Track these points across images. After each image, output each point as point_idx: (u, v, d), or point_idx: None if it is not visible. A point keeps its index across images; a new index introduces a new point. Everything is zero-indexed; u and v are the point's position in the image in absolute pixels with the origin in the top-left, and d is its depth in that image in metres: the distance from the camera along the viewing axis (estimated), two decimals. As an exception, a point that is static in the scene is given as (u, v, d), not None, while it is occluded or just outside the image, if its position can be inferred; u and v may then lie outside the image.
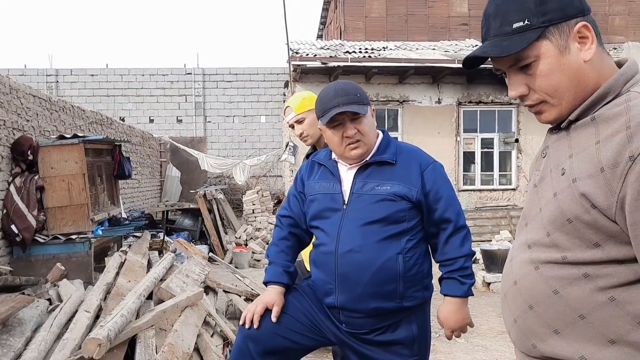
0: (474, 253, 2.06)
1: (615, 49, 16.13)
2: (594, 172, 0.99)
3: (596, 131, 1.02)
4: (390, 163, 1.96)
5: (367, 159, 1.97)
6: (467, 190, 11.65)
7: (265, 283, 2.09)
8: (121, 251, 5.41)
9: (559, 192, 1.06)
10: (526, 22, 1.05)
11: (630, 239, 0.97)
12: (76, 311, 3.55)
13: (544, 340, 1.10)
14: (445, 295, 2.01)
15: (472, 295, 2.05)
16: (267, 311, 1.98)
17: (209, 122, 18.68)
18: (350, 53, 11.14)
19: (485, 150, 11.82)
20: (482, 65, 1.15)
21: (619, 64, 1.10)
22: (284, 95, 16.00)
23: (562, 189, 1.05)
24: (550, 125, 1.18)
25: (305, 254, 2.55)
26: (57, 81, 18.36)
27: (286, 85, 13.70)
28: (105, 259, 5.43)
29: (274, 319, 1.96)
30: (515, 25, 1.06)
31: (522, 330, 1.15)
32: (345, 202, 1.95)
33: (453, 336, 2.07)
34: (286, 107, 2.71)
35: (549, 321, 1.09)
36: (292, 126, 2.69)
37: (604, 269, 1.01)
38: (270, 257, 2.15)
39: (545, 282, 1.09)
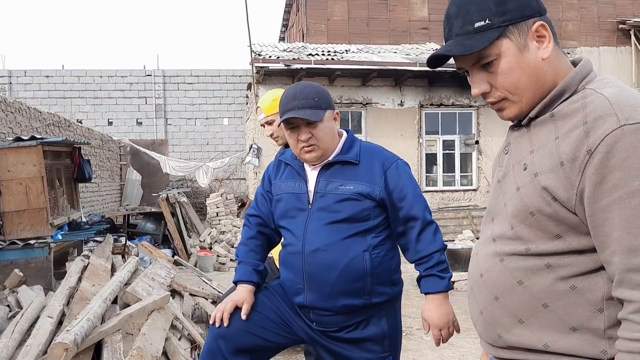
0: (446, 246, 2.06)
1: (568, 53, 16.69)
2: (554, 166, 1.04)
3: (555, 127, 1.07)
4: (354, 163, 1.97)
5: (330, 158, 1.98)
6: (430, 191, 11.84)
7: (235, 282, 2.08)
8: (83, 256, 5.28)
9: (522, 187, 1.10)
10: (487, 21, 1.09)
11: (589, 229, 1.02)
12: (38, 317, 3.45)
13: (509, 330, 1.13)
14: (427, 293, 1.99)
15: (452, 288, 2.05)
16: (237, 309, 1.97)
17: (170, 124, 18.40)
18: (313, 55, 11.18)
19: (447, 151, 12.04)
20: (443, 68, 1.20)
21: (574, 63, 1.15)
22: (247, 97, 15.91)
23: (525, 183, 1.09)
24: (511, 123, 1.22)
25: (275, 253, 2.55)
26: (11, 82, 17.76)
27: (249, 87, 13.64)
28: (67, 264, 5.29)
29: (243, 317, 1.95)
30: (476, 25, 1.09)
31: (488, 321, 1.18)
32: (310, 202, 1.97)
33: (440, 340, 2.00)
34: (257, 107, 2.71)
35: (514, 311, 1.12)
36: (263, 126, 2.69)
37: (565, 259, 1.06)
38: (239, 256, 2.14)
39: (510, 273, 1.12)
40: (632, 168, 0.95)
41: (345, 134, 2.07)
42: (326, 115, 1.96)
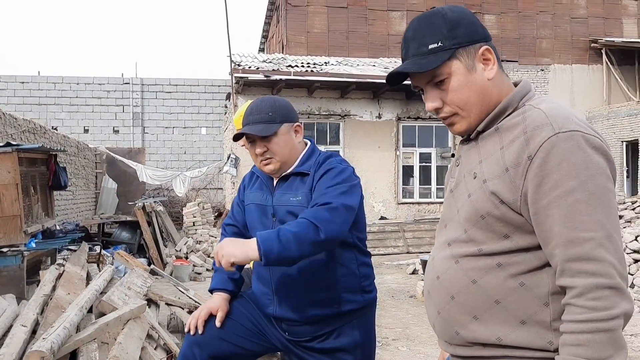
0: (319, 228, 1.77)
1: (542, 70, 17.08)
2: (500, 172, 1.16)
3: (500, 139, 1.20)
4: (307, 174, 2.00)
5: (289, 171, 2.02)
6: (407, 203, 11.96)
7: (211, 290, 2.10)
8: (57, 264, 5.21)
9: (473, 193, 1.22)
10: (439, 44, 1.21)
11: (534, 227, 1.14)
12: (11, 326, 3.40)
13: (465, 326, 1.22)
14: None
15: (263, 255, 1.73)
16: (212, 317, 1.99)
17: (148, 133, 18.27)
18: (292, 67, 11.26)
19: (423, 164, 12.20)
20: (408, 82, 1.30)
21: (515, 84, 1.28)
22: (226, 107, 15.90)
23: (475, 190, 1.21)
24: (461, 138, 1.35)
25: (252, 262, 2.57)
26: (-16, 88, 17.47)
27: (228, 97, 13.64)
28: (40, 272, 5.21)
29: (218, 324, 1.97)
30: (430, 46, 1.22)
31: (445, 319, 1.26)
32: (274, 214, 2.01)
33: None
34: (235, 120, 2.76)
35: (469, 308, 1.21)
36: None
37: (513, 257, 1.17)
38: (215, 264, 2.16)
39: (464, 273, 1.22)
40: (567, 170, 1.08)
41: (308, 145, 2.10)
42: (282, 129, 1.99)
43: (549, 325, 1.14)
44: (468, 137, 1.30)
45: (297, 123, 2.06)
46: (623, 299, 1.05)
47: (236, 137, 2.07)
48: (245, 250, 1.75)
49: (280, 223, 1.96)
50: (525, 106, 1.21)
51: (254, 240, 1.75)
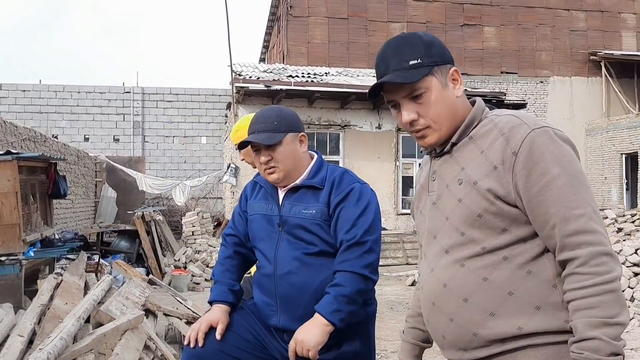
0: (370, 278, 1.91)
1: (541, 82, 17.14)
2: (488, 171, 1.27)
3: (476, 145, 1.32)
4: (319, 188, 2.01)
5: (298, 182, 2.03)
6: (406, 214, 11.95)
7: (211, 302, 2.09)
8: (55, 273, 5.19)
9: (463, 197, 1.30)
10: (419, 60, 1.32)
11: (529, 215, 1.24)
12: (8, 335, 3.39)
13: (483, 325, 1.26)
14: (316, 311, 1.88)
15: (338, 324, 1.84)
16: (212, 329, 1.98)
17: (148, 142, 18.29)
18: (293, 77, 11.30)
19: (423, 175, 12.20)
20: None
21: (472, 103, 1.41)
22: (226, 116, 15.95)
23: (465, 193, 1.29)
24: (427, 153, 1.46)
25: (254, 270, 2.57)
26: (-14, 96, 17.51)
27: (229, 106, 13.68)
28: (38, 281, 5.20)
29: (218, 337, 1.95)
30: (411, 62, 1.32)
31: (460, 324, 1.29)
32: (280, 225, 2.01)
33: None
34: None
35: (485, 306, 1.26)
36: None
37: (516, 248, 1.26)
38: (215, 276, 2.16)
39: (474, 273, 1.28)
40: (549, 159, 1.22)
41: (315, 157, 2.11)
42: (286, 138, 2.00)
43: (560, 304, 1.23)
44: (441, 152, 1.39)
45: (302, 133, 2.08)
46: (617, 263, 1.19)
47: (241, 145, 2.07)
48: (322, 332, 1.84)
49: (287, 234, 1.98)
50: (488, 117, 1.35)
51: (320, 319, 1.84)
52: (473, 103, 1.41)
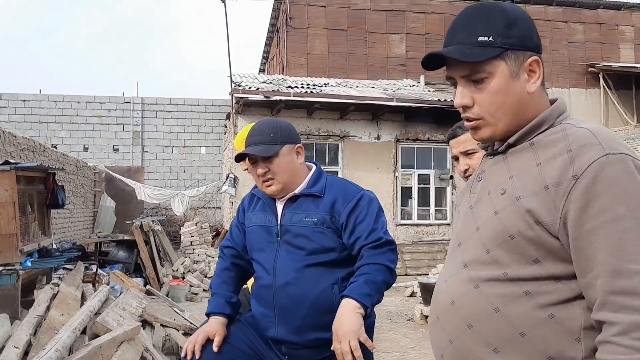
0: (394, 272, 1.97)
1: (540, 93, 17.20)
2: (538, 190, 1.06)
3: (535, 154, 1.11)
4: (319, 196, 2.02)
5: (297, 192, 2.03)
6: (405, 224, 11.93)
7: (208, 314, 2.09)
8: (52, 284, 5.17)
9: (501, 210, 1.11)
10: (490, 38, 1.11)
11: (572, 253, 1.03)
12: (3, 347, 3.36)
13: (483, 359, 1.11)
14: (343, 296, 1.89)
15: (370, 308, 1.87)
16: (209, 341, 1.97)
17: (147, 152, 18.29)
18: (292, 88, 11.32)
19: (422, 185, 12.19)
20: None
21: (551, 102, 1.20)
22: (226, 127, 15.96)
23: (504, 206, 1.10)
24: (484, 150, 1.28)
25: (251, 283, 2.56)
26: (-15, 105, 17.53)
27: (228, 117, 13.70)
28: (35, 292, 5.17)
29: (215, 349, 1.95)
30: (480, 39, 1.11)
31: (459, 350, 1.15)
32: (279, 235, 2.01)
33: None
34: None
35: (489, 339, 1.10)
36: None
37: (543, 286, 1.06)
38: (212, 288, 2.16)
39: (486, 300, 1.10)
40: (617, 195, 0.99)
41: (313, 168, 2.12)
42: (283, 150, 2.02)
43: None
44: (494, 151, 1.21)
45: (298, 145, 2.09)
46: None
47: (238, 158, 2.09)
48: (356, 317, 1.80)
49: (286, 243, 1.99)
50: (563, 124, 1.12)
51: (350, 304, 1.81)
52: (554, 102, 1.19)
